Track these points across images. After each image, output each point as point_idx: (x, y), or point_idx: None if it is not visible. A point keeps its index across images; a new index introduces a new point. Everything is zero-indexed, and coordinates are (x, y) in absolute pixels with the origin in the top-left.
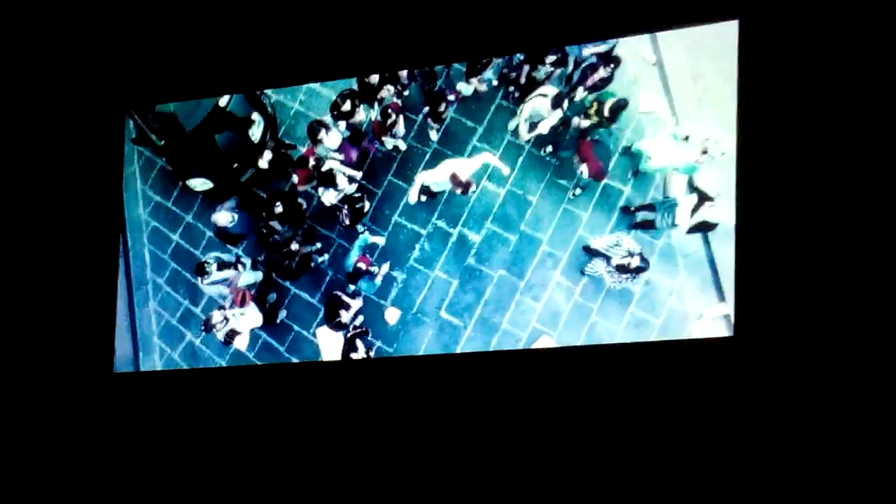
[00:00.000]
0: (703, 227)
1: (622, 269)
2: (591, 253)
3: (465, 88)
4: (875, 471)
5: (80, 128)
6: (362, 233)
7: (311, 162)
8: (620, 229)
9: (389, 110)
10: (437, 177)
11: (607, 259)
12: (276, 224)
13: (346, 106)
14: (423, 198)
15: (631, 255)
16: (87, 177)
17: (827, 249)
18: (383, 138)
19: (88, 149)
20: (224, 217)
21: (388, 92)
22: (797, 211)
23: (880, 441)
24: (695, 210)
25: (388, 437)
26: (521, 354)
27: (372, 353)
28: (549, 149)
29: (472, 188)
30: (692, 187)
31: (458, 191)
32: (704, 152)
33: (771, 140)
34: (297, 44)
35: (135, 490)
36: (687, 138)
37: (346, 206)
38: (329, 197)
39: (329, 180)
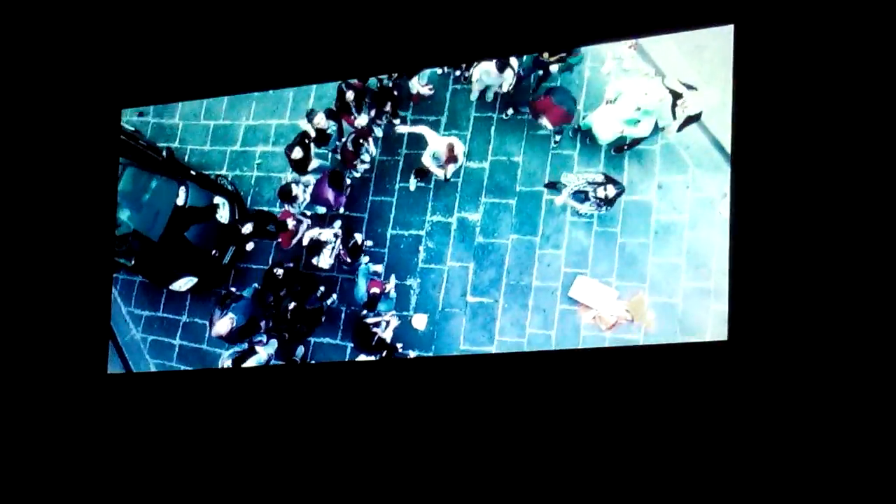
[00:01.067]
0: (691, 121)
1: (603, 201)
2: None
3: (415, 85)
4: (869, 470)
5: (74, 129)
6: (364, 263)
7: (291, 223)
8: (611, 156)
9: (360, 139)
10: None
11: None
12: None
13: (297, 153)
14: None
15: (599, 184)
16: (81, 177)
17: (820, 256)
18: (354, 163)
19: (82, 149)
20: (224, 325)
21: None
22: (793, 216)
23: (874, 441)
24: (674, 108)
25: (392, 439)
26: (518, 357)
27: None
28: (510, 111)
29: (454, 167)
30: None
31: (443, 164)
32: (638, 109)
33: (766, 143)
34: (286, 46)
35: (131, 489)
36: (616, 99)
37: (342, 249)
38: (325, 261)
39: (317, 249)
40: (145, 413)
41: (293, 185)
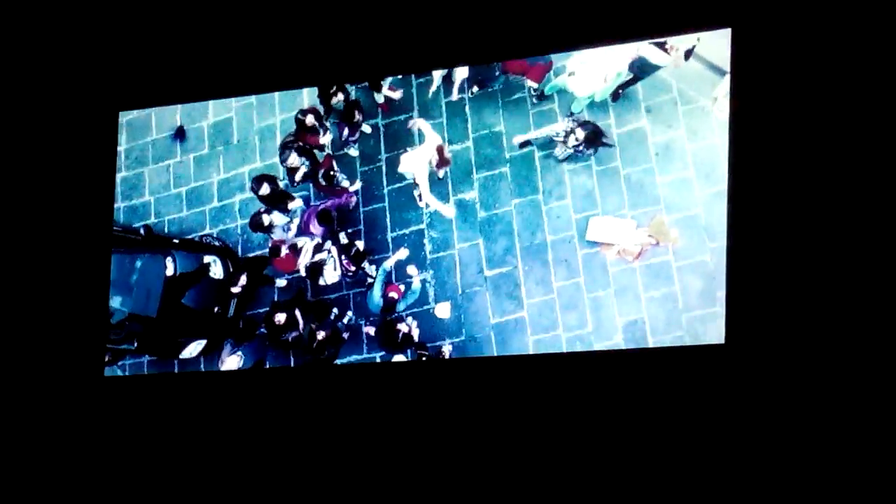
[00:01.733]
0: (690, 54)
1: (581, 145)
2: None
3: (380, 98)
4: (866, 473)
5: (72, 130)
6: (378, 267)
7: (284, 249)
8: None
9: (331, 172)
10: (420, 157)
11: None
12: (290, 335)
13: (265, 189)
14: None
15: (566, 134)
16: (79, 178)
17: (817, 258)
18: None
19: (80, 150)
20: (233, 362)
21: (296, 159)
22: (791, 217)
23: (872, 444)
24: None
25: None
26: (517, 360)
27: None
28: (476, 89)
29: (449, 166)
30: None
31: (436, 165)
32: (604, 80)
33: (764, 145)
34: (287, 46)
35: (129, 491)
36: (572, 73)
37: (343, 258)
38: (331, 276)
39: (318, 269)
40: (146, 417)
41: (264, 216)
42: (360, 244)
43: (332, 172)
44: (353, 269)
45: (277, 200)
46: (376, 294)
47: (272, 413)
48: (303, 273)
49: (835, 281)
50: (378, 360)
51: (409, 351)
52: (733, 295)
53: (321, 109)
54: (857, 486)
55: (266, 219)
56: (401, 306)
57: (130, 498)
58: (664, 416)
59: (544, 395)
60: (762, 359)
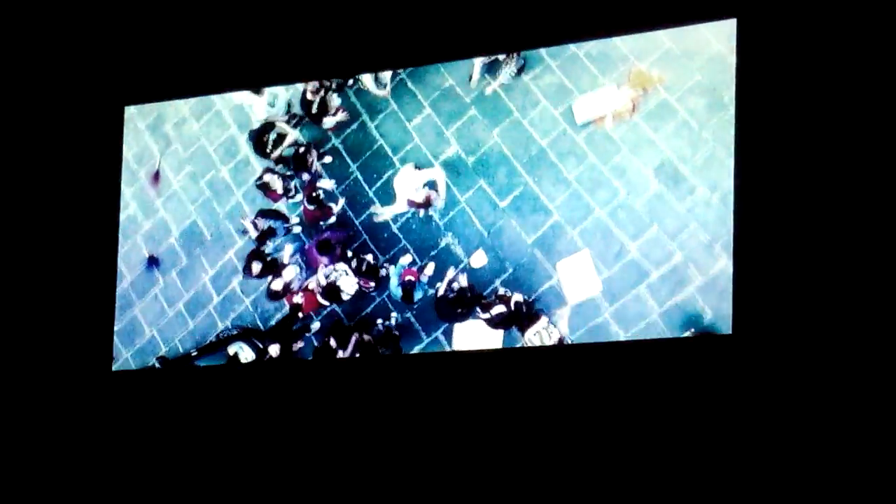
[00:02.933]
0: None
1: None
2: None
3: (330, 122)
4: (874, 469)
5: (77, 126)
6: (390, 268)
7: (300, 296)
8: None
9: (314, 194)
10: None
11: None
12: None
13: (256, 268)
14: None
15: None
16: (84, 175)
17: (825, 248)
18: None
19: (85, 147)
20: None
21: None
22: (797, 209)
23: (879, 439)
24: None
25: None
26: (520, 353)
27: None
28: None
29: (433, 199)
30: None
31: (421, 211)
32: None
33: (770, 141)
34: (295, 41)
35: (135, 489)
36: None
37: (361, 279)
38: (349, 287)
39: (335, 290)
40: (159, 413)
41: (274, 283)
42: (369, 257)
43: (314, 194)
44: (372, 284)
45: (272, 268)
46: (393, 286)
47: (285, 407)
48: (325, 303)
49: (842, 271)
50: (441, 336)
51: (473, 312)
52: (741, 284)
53: (276, 168)
54: (869, 481)
55: (279, 283)
56: (418, 294)
57: (148, 496)
58: (671, 411)
59: (547, 390)
60: (771, 350)
